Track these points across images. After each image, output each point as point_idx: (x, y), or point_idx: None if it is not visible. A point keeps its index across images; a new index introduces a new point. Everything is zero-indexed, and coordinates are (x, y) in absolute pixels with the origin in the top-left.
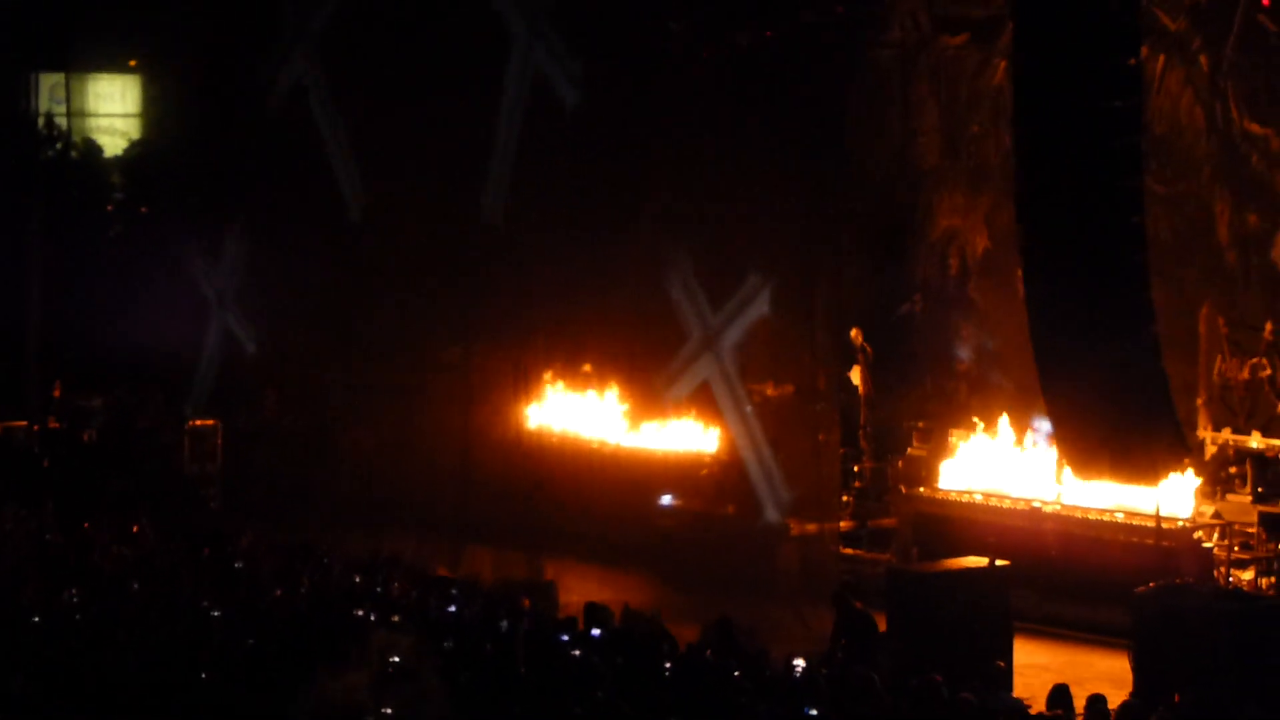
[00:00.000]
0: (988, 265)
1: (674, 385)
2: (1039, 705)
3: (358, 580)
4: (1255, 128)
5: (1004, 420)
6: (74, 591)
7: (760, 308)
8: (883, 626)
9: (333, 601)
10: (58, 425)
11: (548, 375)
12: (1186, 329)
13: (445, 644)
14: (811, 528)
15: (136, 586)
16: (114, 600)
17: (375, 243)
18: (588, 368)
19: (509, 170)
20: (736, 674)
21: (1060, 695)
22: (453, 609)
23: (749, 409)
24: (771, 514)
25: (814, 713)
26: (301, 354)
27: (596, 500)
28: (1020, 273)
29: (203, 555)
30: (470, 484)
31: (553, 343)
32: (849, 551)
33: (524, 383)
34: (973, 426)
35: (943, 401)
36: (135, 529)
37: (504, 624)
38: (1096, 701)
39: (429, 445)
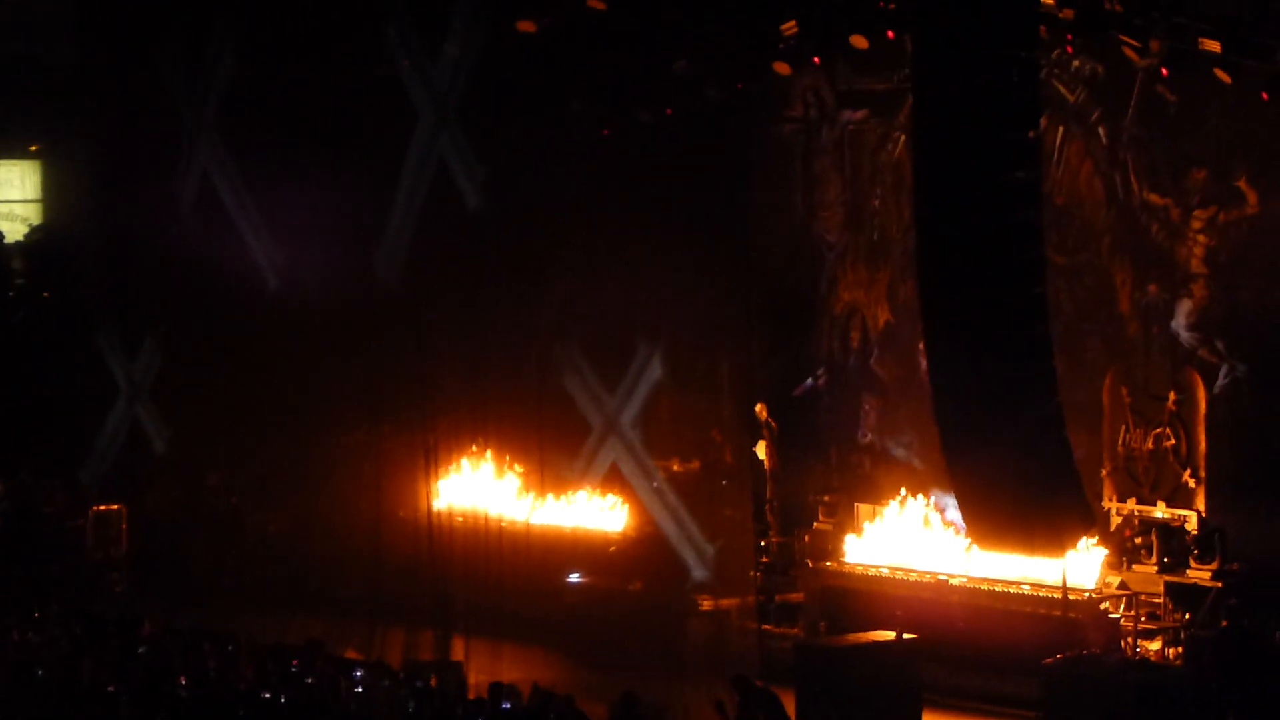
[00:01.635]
0: (889, 339)
1: (585, 472)
2: None
3: (265, 663)
4: (1155, 198)
5: (905, 495)
6: None
7: (654, 374)
8: (789, 701)
9: (238, 685)
10: None
11: (455, 454)
12: (1090, 399)
13: None
14: (724, 603)
15: (40, 673)
16: (17, 687)
17: (283, 322)
18: (494, 446)
19: (408, 234)
20: None
21: None
22: (360, 690)
23: (656, 483)
24: (698, 572)
25: None
26: (210, 438)
27: (505, 579)
28: (922, 346)
29: (106, 641)
30: (379, 564)
31: (459, 421)
32: (751, 626)
33: (431, 462)
34: (879, 500)
35: (847, 475)
36: (38, 615)
37: (410, 705)
38: None
39: (337, 526)
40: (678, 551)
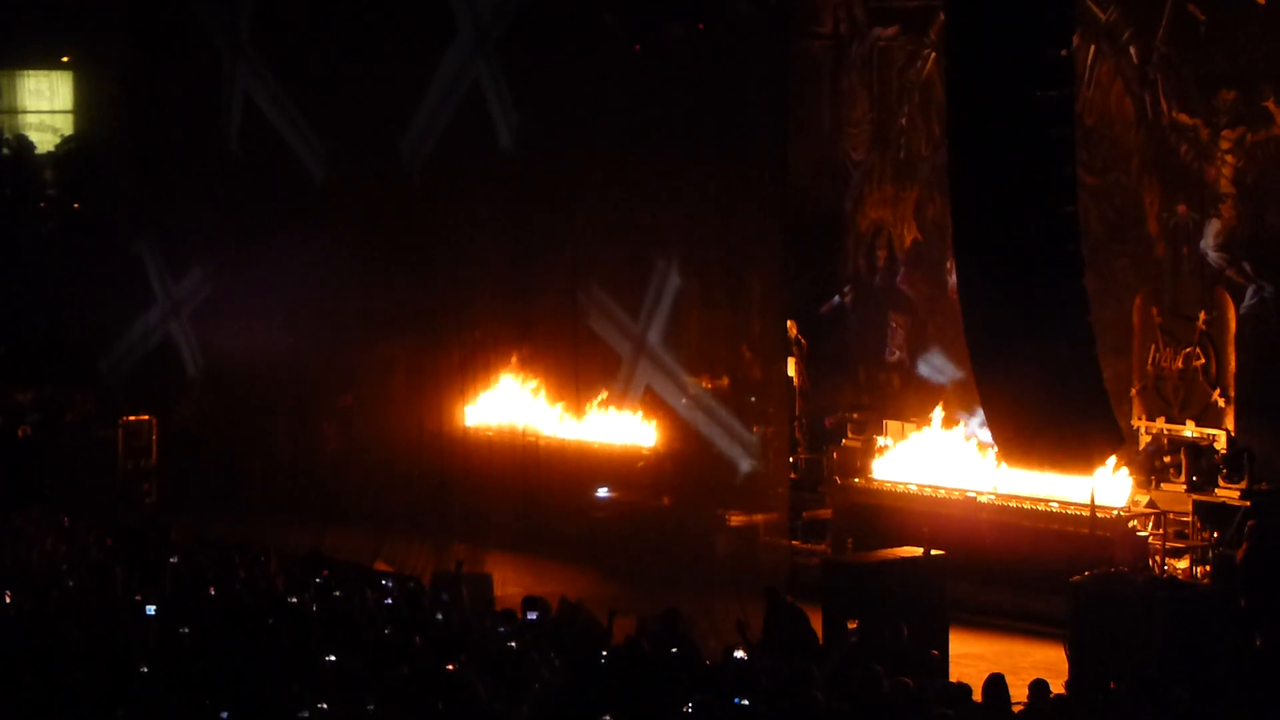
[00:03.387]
0: (917, 257)
1: (623, 394)
2: (976, 695)
3: (295, 573)
4: (1184, 119)
5: (938, 411)
6: (7, 592)
7: (674, 284)
8: (816, 618)
9: (268, 595)
10: None
11: (488, 369)
12: (1118, 319)
13: (383, 635)
14: (755, 518)
15: (71, 584)
16: (48, 597)
17: (326, 225)
18: (528, 362)
19: (436, 128)
20: (672, 665)
21: (995, 685)
22: (389, 601)
23: (685, 400)
24: (745, 464)
25: (745, 703)
26: (243, 349)
27: (535, 493)
28: (950, 264)
29: (136, 551)
30: (409, 477)
31: (494, 336)
32: (783, 542)
33: (465, 375)
34: (908, 418)
35: (875, 393)
36: (68, 524)
37: (439, 616)
38: (1039, 688)
39: (369, 439)
40: (722, 453)
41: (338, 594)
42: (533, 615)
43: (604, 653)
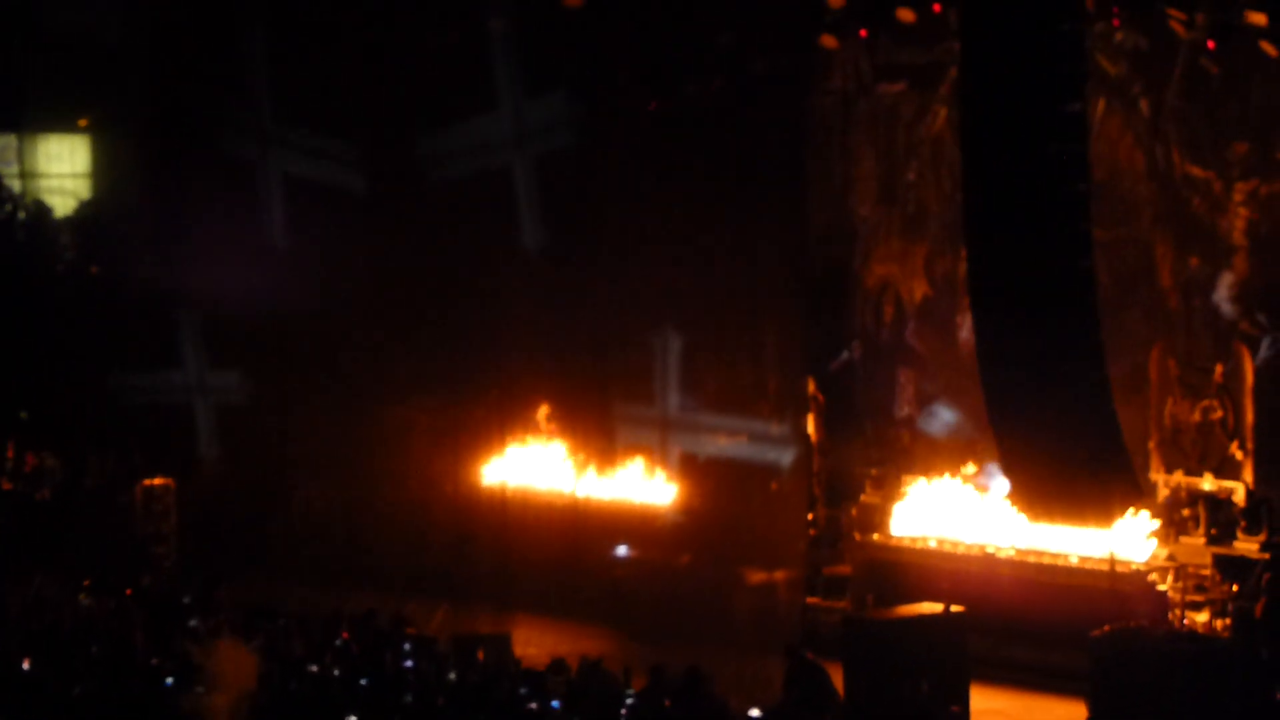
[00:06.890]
0: (926, 312)
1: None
2: None
3: (315, 637)
4: (1196, 171)
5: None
6: (27, 659)
7: (675, 346)
8: (837, 675)
9: (290, 658)
10: (9, 486)
11: (509, 429)
12: (1131, 372)
13: (405, 699)
14: (775, 575)
15: (94, 649)
16: (70, 661)
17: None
18: (545, 417)
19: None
20: None
21: None
22: (409, 664)
23: (703, 456)
24: (784, 459)
25: None
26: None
27: (555, 553)
28: (960, 319)
29: (154, 615)
30: (428, 538)
31: (514, 395)
32: (803, 600)
33: (486, 436)
34: (924, 473)
35: (885, 449)
36: (86, 586)
37: (452, 676)
38: None
39: (386, 500)
40: (760, 461)
41: (355, 654)
42: (553, 677)
43: (623, 711)
